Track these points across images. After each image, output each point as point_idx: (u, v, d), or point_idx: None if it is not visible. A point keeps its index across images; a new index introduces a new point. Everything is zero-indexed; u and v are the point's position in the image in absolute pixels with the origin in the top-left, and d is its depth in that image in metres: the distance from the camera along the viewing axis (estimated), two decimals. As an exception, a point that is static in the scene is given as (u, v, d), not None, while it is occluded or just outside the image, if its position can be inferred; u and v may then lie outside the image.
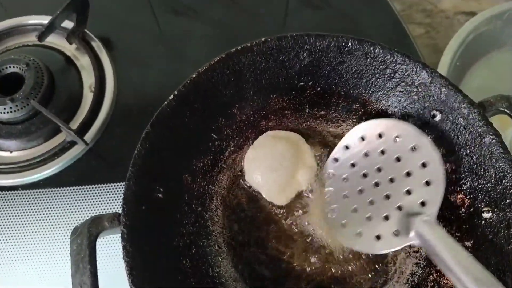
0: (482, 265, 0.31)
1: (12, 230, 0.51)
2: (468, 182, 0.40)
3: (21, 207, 0.51)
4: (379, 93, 0.45)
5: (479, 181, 0.39)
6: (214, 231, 0.44)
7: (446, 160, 0.41)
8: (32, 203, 0.52)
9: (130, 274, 0.33)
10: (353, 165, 0.43)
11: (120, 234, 0.34)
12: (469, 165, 0.40)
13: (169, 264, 0.37)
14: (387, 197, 0.40)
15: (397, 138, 0.41)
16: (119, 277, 0.35)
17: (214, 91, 0.42)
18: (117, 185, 0.51)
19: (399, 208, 0.39)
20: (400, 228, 0.38)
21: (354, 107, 0.47)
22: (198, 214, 0.43)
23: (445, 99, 0.40)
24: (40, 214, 0.51)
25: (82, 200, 0.51)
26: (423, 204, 0.38)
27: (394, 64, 0.42)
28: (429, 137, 0.40)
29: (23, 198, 0.52)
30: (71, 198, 0.51)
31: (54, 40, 0.61)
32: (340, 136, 0.49)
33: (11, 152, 0.54)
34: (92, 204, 0.51)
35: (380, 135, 0.42)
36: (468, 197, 0.40)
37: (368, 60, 0.43)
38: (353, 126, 0.48)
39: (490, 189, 0.38)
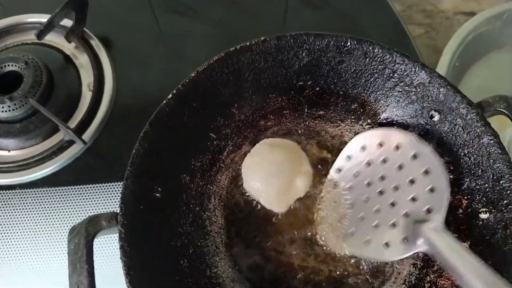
0: (494, 271, 0.31)
1: (10, 230, 0.51)
2: (466, 183, 0.40)
3: (19, 206, 0.51)
4: (378, 93, 0.44)
5: (477, 182, 0.39)
6: (212, 231, 0.44)
7: (445, 161, 0.41)
8: (30, 203, 0.51)
9: (128, 274, 0.33)
10: (356, 174, 0.44)
11: (117, 234, 0.34)
12: (467, 166, 0.40)
13: (166, 264, 0.37)
14: (393, 204, 0.40)
15: (397, 147, 0.42)
16: (117, 277, 0.35)
17: (213, 90, 0.42)
18: (116, 185, 0.51)
19: (406, 215, 0.39)
20: (408, 235, 0.38)
21: (353, 107, 0.47)
22: (196, 214, 0.43)
23: (444, 100, 0.40)
24: (38, 214, 0.51)
25: (80, 199, 0.51)
26: (429, 211, 0.38)
27: (393, 64, 0.42)
28: (430, 145, 0.40)
29: (21, 197, 0.52)
30: (69, 197, 0.51)
31: (53, 38, 0.61)
32: (338, 136, 0.49)
33: (9, 151, 0.54)
34: (90, 204, 0.51)
35: (380, 144, 0.43)
36: (465, 197, 0.40)
37: (367, 60, 0.43)
38: (352, 126, 0.48)
39: (487, 189, 0.38)
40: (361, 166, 0.44)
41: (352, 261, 0.43)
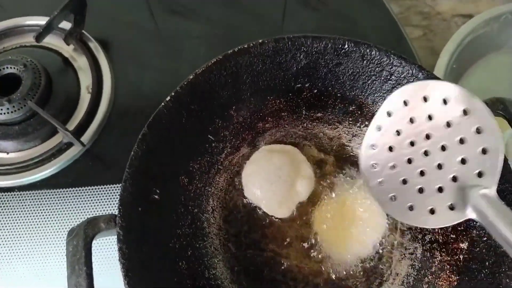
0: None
1: (9, 231, 0.50)
2: (464, 184, 0.40)
3: (17, 208, 0.51)
4: (376, 95, 0.45)
5: (474, 183, 0.39)
6: (211, 233, 0.44)
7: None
8: (29, 205, 0.51)
9: (126, 276, 0.33)
10: (398, 132, 0.39)
11: (116, 236, 0.34)
12: (465, 167, 0.40)
13: (165, 265, 0.37)
14: (439, 166, 0.36)
15: (445, 101, 0.36)
16: (116, 278, 0.35)
17: (211, 92, 0.42)
18: (114, 187, 0.51)
19: (454, 179, 0.35)
20: (456, 201, 0.35)
21: (351, 109, 0.47)
22: (194, 215, 0.43)
23: (441, 102, 0.40)
24: (37, 216, 0.51)
25: (79, 201, 0.51)
26: (480, 175, 0.34)
27: (390, 66, 0.42)
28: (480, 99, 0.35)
29: (20, 200, 0.52)
30: (68, 199, 0.51)
31: (52, 41, 0.61)
32: (336, 138, 0.49)
33: (8, 153, 0.54)
34: (89, 206, 0.51)
35: (425, 99, 0.37)
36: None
37: (365, 62, 0.43)
38: (350, 128, 0.48)
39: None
40: (403, 123, 0.39)
41: (351, 263, 0.43)
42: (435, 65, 0.62)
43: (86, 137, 0.54)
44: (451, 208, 0.35)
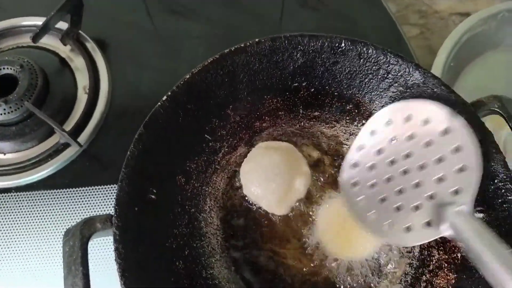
0: None
1: (6, 232, 0.50)
2: (461, 182, 0.40)
3: (14, 209, 0.51)
4: (373, 93, 0.45)
5: (472, 181, 0.39)
6: (208, 233, 0.44)
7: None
8: (26, 205, 0.51)
9: (123, 276, 0.33)
10: (379, 151, 0.40)
11: (112, 236, 0.34)
12: (462, 166, 0.40)
13: (162, 265, 0.37)
14: (417, 185, 0.37)
15: (426, 121, 0.38)
16: (112, 278, 0.34)
17: (207, 92, 0.42)
18: (111, 187, 0.51)
19: (431, 197, 0.36)
20: (432, 218, 0.35)
21: (348, 107, 0.47)
22: (191, 215, 0.43)
23: (438, 100, 0.40)
24: (34, 216, 0.51)
25: (76, 202, 0.51)
26: (456, 192, 0.35)
27: (387, 65, 0.42)
28: (462, 118, 0.36)
29: (17, 200, 0.52)
30: (65, 200, 0.51)
31: (49, 41, 0.61)
32: (334, 137, 0.49)
33: (4, 154, 0.54)
34: (86, 206, 0.51)
35: (407, 118, 0.39)
36: (461, 197, 0.40)
37: (362, 60, 0.43)
38: (347, 127, 0.48)
39: (482, 189, 0.38)
40: (385, 142, 0.40)
41: (349, 262, 0.43)
42: (432, 63, 0.62)
43: (83, 137, 0.53)
44: (427, 225, 0.36)
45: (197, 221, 0.43)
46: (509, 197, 0.37)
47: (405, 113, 0.39)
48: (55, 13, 0.55)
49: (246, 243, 0.44)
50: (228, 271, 0.43)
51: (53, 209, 0.51)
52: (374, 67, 0.43)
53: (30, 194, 0.52)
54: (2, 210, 0.51)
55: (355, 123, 0.47)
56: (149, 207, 0.38)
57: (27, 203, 0.51)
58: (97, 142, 0.54)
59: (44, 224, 0.51)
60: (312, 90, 0.46)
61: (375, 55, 0.42)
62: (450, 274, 0.39)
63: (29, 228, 0.51)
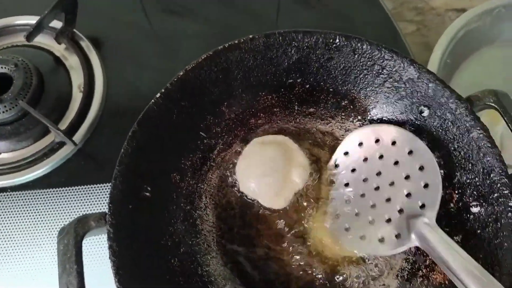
0: (481, 266, 0.32)
1: (2, 232, 0.50)
2: (457, 177, 0.40)
3: (10, 208, 0.51)
4: (368, 89, 0.45)
5: (467, 176, 0.39)
6: (203, 230, 0.44)
7: (436, 156, 0.41)
8: (22, 205, 0.51)
9: (117, 274, 0.32)
10: (353, 170, 0.44)
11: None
12: (457, 160, 0.40)
13: (157, 263, 0.37)
14: (388, 200, 0.41)
15: (393, 143, 0.42)
16: (108, 277, 0.34)
17: (202, 88, 0.42)
18: (107, 186, 0.51)
19: (400, 211, 0.40)
20: (402, 230, 0.39)
21: (343, 103, 0.47)
22: (187, 212, 0.43)
23: (433, 95, 0.40)
24: (30, 216, 0.51)
25: (72, 200, 0.51)
26: (423, 206, 0.39)
27: (381, 60, 0.42)
28: (424, 141, 0.41)
29: (12, 200, 0.51)
30: (61, 199, 0.51)
31: (43, 40, 0.60)
32: (329, 133, 0.49)
33: (0, 153, 0.54)
34: (82, 205, 0.51)
35: (377, 140, 0.43)
36: (456, 192, 0.40)
37: (356, 56, 0.43)
38: (343, 123, 0.48)
39: (478, 183, 0.38)
40: (358, 162, 0.44)
41: (346, 258, 0.43)
42: (429, 60, 0.62)
43: (78, 136, 0.53)
44: (398, 236, 0.39)
45: (193, 218, 0.43)
46: (505, 191, 0.36)
47: (374, 135, 0.44)
48: (49, 11, 0.55)
49: (242, 240, 0.44)
50: (224, 268, 0.43)
51: (49, 208, 0.51)
52: (369, 63, 0.43)
53: (25, 194, 0.52)
54: (-2, 210, 0.51)
55: (351, 119, 0.47)
56: (143, 204, 0.37)
57: (23, 202, 0.51)
58: (92, 141, 0.54)
59: (40, 223, 0.50)
60: (307, 86, 0.46)
61: (369, 51, 0.42)
62: (446, 269, 0.39)
63: (25, 228, 0.50)
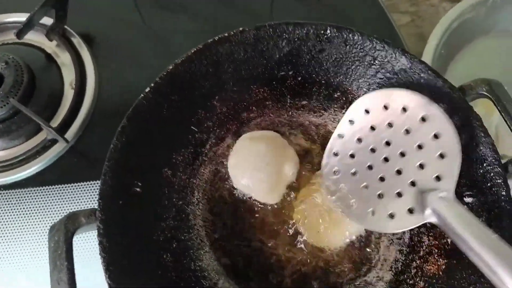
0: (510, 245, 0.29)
1: (-4, 231, 0.50)
2: (450, 167, 0.40)
3: (3, 207, 0.51)
4: (360, 80, 0.44)
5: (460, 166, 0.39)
6: (196, 225, 0.44)
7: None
8: (15, 203, 0.51)
9: (107, 270, 0.32)
10: (359, 140, 0.40)
11: (97, 230, 0.34)
12: (451, 150, 0.39)
13: (148, 258, 0.37)
14: (399, 172, 0.37)
15: (404, 109, 0.38)
16: (99, 273, 0.34)
17: (192, 82, 0.41)
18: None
19: (413, 183, 0.36)
20: (415, 205, 0.35)
21: (336, 95, 0.46)
22: (179, 208, 0.42)
23: (425, 85, 0.40)
24: (23, 214, 0.50)
25: (65, 198, 0.51)
26: (438, 178, 0.35)
27: (373, 51, 0.42)
28: (440, 105, 0.37)
29: (5, 198, 0.51)
30: (54, 196, 0.51)
31: (34, 37, 0.60)
32: (322, 126, 0.48)
33: (-8, 152, 0.54)
34: (75, 202, 0.50)
35: (385, 107, 0.39)
36: (450, 182, 0.40)
37: (348, 47, 0.42)
38: (335, 115, 0.48)
39: (471, 173, 0.38)
40: (364, 130, 0.40)
41: (339, 250, 0.43)
42: (423, 51, 0.62)
43: (70, 133, 0.53)
44: (410, 212, 0.36)
45: (185, 213, 0.43)
46: (498, 181, 0.36)
47: (382, 101, 0.39)
48: (39, 8, 0.54)
49: (235, 235, 0.44)
50: (217, 263, 0.43)
51: (42, 206, 0.50)
52: (360, 54, 0.42)
53: (18, 192, 0.51)
54: (-9, 209, 0.50)
55: (343, 111, 0.47)
56: (134, 200, 0.37)
57: (16, 201, 0.51)
58: (85, 138, 0.54)
59: (33, 221, 0.50)
60: (299, 78, 0.46)
61: (361, 42, 0.41)
62: (440, 259, 0.39)
63: (19, 226, 0.50)
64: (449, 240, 0.39)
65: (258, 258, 0.43)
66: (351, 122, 0.41)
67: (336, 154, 0.42)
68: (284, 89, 0.47)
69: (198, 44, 0.60)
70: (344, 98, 0.46)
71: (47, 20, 0.58)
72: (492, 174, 0.37)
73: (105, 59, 0.60)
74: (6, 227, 0.50)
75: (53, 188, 0.51)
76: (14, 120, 0.53)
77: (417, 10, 0.78)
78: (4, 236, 0.50)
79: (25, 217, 0.50)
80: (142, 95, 0.38)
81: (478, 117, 0.38)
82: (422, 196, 0.35)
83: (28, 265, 0.49)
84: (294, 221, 0.44)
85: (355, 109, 0.41)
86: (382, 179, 0.38)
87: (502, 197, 0.36)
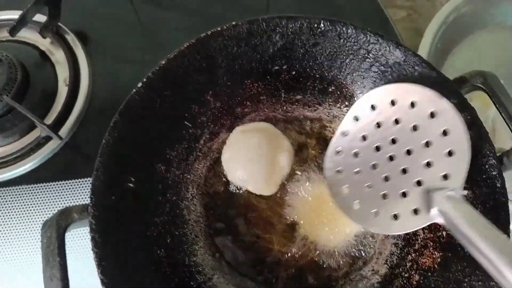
0: None
1: (-9, 229, 0.50)
2: (445, 160, 0.39)
3: (-1, 205, 0.51)
4: (354, 74, 0.44)
5: (455, 159, 0.38)
6: (191, 220, 0.43)
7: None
8: (10, 201, 0.51)
9: (99, 265, 0.32)
10: (364, 138, 0.39)
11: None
12: (445, 143, 0.39)
13: (142, 253, 0.37)
14: (404, 171, 0.36)
15: (412, 104, 0.36)
16: (93, 269, 0.34)
17: (185, 77, 0.41)
18: (95, 179, 0.51)
19: (418, 183, 0.35)
20: (420, 205, 0.34)
21: (330, 89, 0.46)
22: (173, 203, 0.42)
23: (419, 78, 0.39)
24: (18, 211, 0.50)
25: (60, 195, 0.51)
26: (445, 177, 0.34)
27: (367, 44, 0.41)
28: (451, 100, 0.35)
29: (0, 196, 0.51)
30: (49, 193, 0.51)
31: (27, 35, 0.60)
32: (317, 120, 0.48)
33: (-14, 150, 0.53)
34: (70, 199, 0.50)
35: (393, 102, 0.37)
36: (445, 175, 0.39)
37: (342, 40, 0.42)
38: (330, 109, 0.47)
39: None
40: (370, 128, 0.39)
41: (335, 244, 0.43)
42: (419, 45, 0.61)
43: (64, 130, 0.53)
44: (415, 212, 0.34)
45: (179, 209, 0.43)
46: (493, 173, 0.36)
47: (390, 97, 0.38)
48: (31, 5, 0.54)
49: (230, 229, 0.44)
50: (212, 258, 0.42)
51: (37, 203, 0.50)
52: (354, 47, 0.42)
53: (13, 189, 0.51)
54: (-15, 207, 0.50)
55: (338, 105, 0.47)
56: (127, 195, 0.37)
57: (11, 198, 0.51)
58: (79, 135, 0.54)
59: (28, 219, 0.50)
60: (293, 73, 0.45)
61: (354, 35, 0.41)
62: (435, 252, 0.38)
63: (15, 223, 0.50)
64: (444, 233, 0.38)
65: (254, 253, 0.43)
66: (355, 118, 0.40)
67: (339, 153, 0.40)
68: (278, 84, 0.46)
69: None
70: (338, 92, 0.46)
71: (41, 18, 0.58)
72: (487, 166, 0.36)
73: (99, 56, 0.60)
74: (1, 225, 0.50)
75: (47, 185, 0.51)
76: (8, 117, 0.53)
77: (413, 4, 0.77)
78: (0, 234, 0.50)
79: (19, 214, 0.50)
80: (134, 90, 0.38)
81: (473, 109, 0.38)
82: (428, 195, 0.34)
83: (23, 262, 0.49)
84: (290, 215, 0.44)
85: (361, 105, 0.39)
86: (386, 178, 0.37)
87: (497, 189, 0.35)
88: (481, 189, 0.37)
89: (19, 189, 0.51)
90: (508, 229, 0.35)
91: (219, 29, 0.41)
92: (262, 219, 0.44)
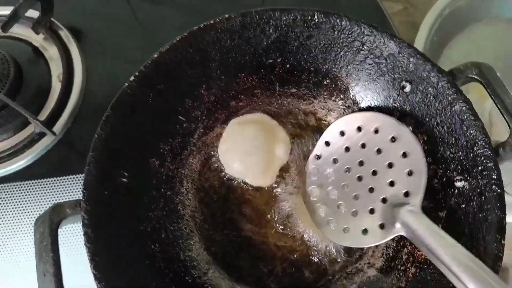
0: (471, 253, 0.30)
1: (-15, 226, 0.50)
2: (440, 152, 0.39)
3: (-7, 202, 0.50)
4: (349, 67, 0.44)
5: (451, 150, 0.38)
6: (185, 215, 0.43)
7: (418, 131, 0.40)
8: (4, 197, 0.50)
9: (92, 260, 0.32)
10: (335, 160, 0.43)
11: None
12: (441, 135, 0.39)
13: (135, 248, 0.37)
14: (371, 190, 0.40)
15: (376, 130, 0.41)
16: (87, 264, 0.34)
17: (178, 71, 0.41)
18: (89, 175, 0.50)
19: (384, 200, 0.39)
20: (386, 220, 0.37)
21: (325, 82, 0.46)
22: (167, 198, 0.42)
23: (414, 69, 0.39)
24: (13, 208, 0.50)
25: (54, 191, 0.50)
26: (406, 194, 0.37)
27: (361, 36, 0.41)
28: (409, 127, 0.40)
29: (-5, 193, 0.51)
30: (43, 190, 0.50)
31: (20, 31, 0.59)
32: (312, 114, 0.48)
33: (-20, 146, 0.53)
34: (64, 195, 0.50)
35: (359, 128, 0.42)
36: (440, 167, 0.39)
37: (336, 33, 0.42)
38: (325, 102, 0.47)
39: (462, 157, 0.37)
40: (340, 151, 0.43)
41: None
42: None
43: (58, 126, 0.52)
44: (381, 227, 0.38)
45: (174, 203, 0.43)
46: (489, 164, 0.36)
47: (357, 123, 0.42)
48: (23, 1, 0.54)
49: (225, 224, 0.43)
50: (207, 253, 0.42)
51: (32, 200, 0.50)
52: (348, 39, 0.42)
53: (7, 186, 0.51)
54: (-21, 204, 0.50)
55: (333, 98, 0.46)
56: (120, 190, 0.37)
57: (5, 195, 0.50)
58: (73, 131, 0.53)
59: (23, 215, 0.50)
60: (288, 66, 0.45)
61: (349, 27, 0.41)
62: (431, 245, 0.38)
63: (9, 220, 0.50)
64: (440, 225, 0.38)
65: (249, 247, 0.43)
66: (327, 144, 0.44)
67: (313, 175, 0.44)
68: (273, 77, 0.46)
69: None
70: (333, 85, 0.46)
71: (34, 13, 0.58)
72: (482, 157, 0.36)
73: (93, 52, 0.59)
74: (-3, 222, 0.50)
75: (42, 182, 0.50)
76: (2, 114, 0.53)
77: (409, -3, 0.77)
78: (-5, 231, 0.50)
79: (14, 211, 0.50)
80: (126, 84, 0.38)
81: (468, 100, 0.37)
82: (393, 211, 0.37)
83: (17, 258, 0.49)
84: (286, 208, 0.44)
85: (331, 132, 0.44)
86: (356, 197, 0.40)
87: (493, 181, 0.35)
88: (477, 181, 0.36)
89: (14, 185, 0.51)
90: (504, 221, 0.35)
91: (211, 22, 0.41)
92: (258, 213, 0.44)
